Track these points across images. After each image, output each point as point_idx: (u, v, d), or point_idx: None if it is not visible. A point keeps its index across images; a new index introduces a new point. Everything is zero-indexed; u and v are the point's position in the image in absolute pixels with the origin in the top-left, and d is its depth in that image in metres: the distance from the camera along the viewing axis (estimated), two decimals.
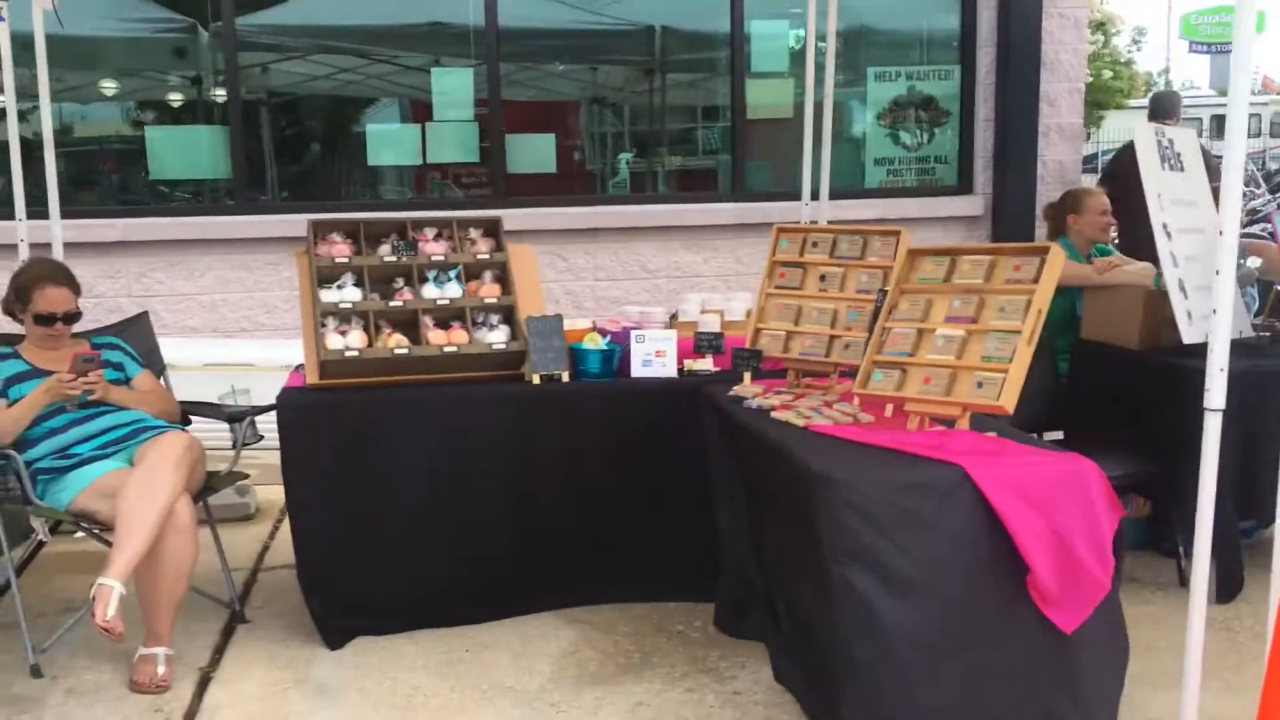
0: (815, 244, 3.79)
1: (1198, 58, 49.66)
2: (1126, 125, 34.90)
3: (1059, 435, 4.58)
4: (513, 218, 7.13)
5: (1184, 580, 4.19)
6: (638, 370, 3.91)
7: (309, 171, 7.37)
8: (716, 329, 4.13)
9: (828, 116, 5.41)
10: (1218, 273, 2.64)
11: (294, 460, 3.65)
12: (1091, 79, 31.81)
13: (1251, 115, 37.71)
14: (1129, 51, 43.99)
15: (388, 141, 7.08)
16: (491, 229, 4.10)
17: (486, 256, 4.01)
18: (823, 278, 3.72)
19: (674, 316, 4.49)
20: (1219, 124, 34.96)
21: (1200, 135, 35.62)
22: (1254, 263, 4.80)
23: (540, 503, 3.86)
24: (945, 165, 7.65)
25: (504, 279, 3.99)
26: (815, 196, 5.48)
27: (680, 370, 3.96)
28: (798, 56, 7.35)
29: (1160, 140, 4.45)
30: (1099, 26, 37.88)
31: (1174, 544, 4.33)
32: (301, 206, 6.51)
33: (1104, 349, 4.62)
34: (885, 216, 7.32)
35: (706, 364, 3.99)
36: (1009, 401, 2.82)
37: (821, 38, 5.59)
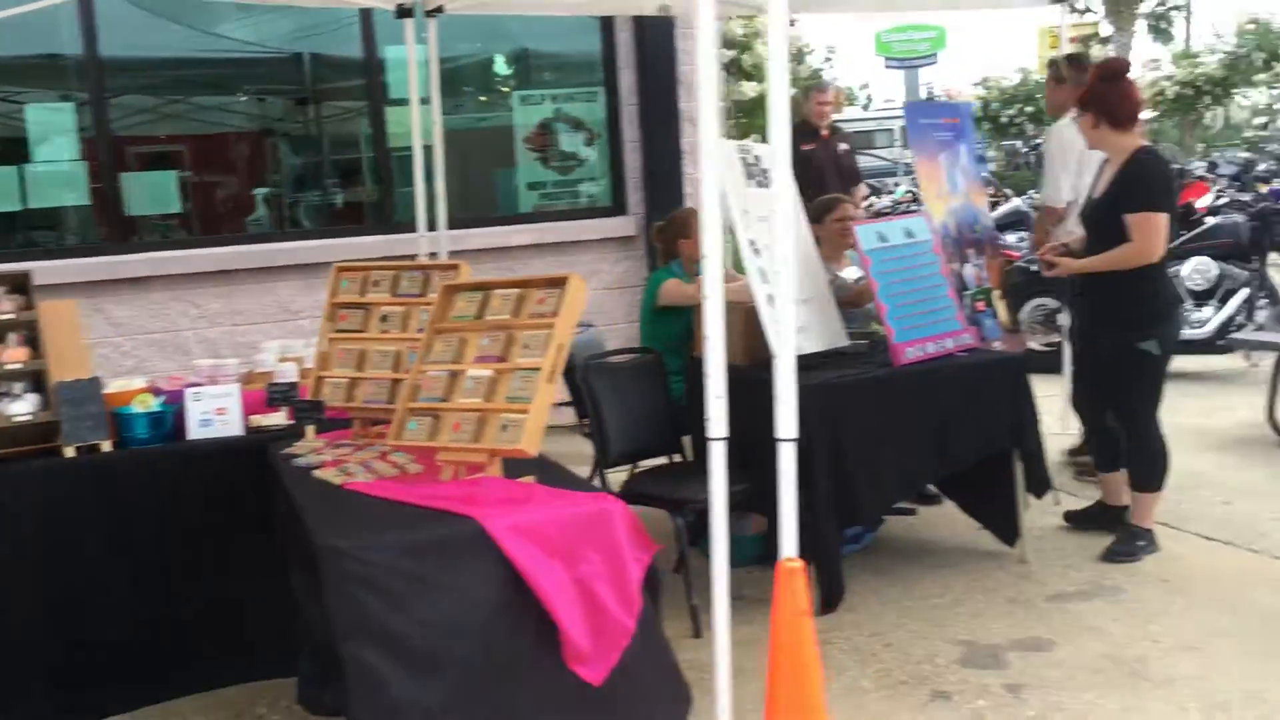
0: (377, 283, 3.56)
1: (894, 73, 53.20)
2: None
3: (678, 458, 4.54)
4: (133, 264, 6.67)
5: None
6: (196, 431, 3.56)
7: None
8: (294, 378, 3.83)
9: (439, 144, 5.21)
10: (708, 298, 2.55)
11: None
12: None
13: None
14: (823, 70, 46.56)
15: None
16: (20, 285, 3.64)
17: (12, 316, 3.55)
18: (384, 318, 3.49)
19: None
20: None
21: (893, 145, 37.83)
22: (850, 273, 4.91)
23: (93, 590, 3.43)
24: (598, 187, 7.62)
25: (34, 340, 3.55)
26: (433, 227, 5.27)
27: (249, 427, 3.63)
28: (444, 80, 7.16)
29: (745, 158, 4.47)
30: (795, 55, 39.97)
31: None
32: None
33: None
34: (541, 241, 7.21)
35: (279, 418, 3.67)
36: (530, 444, 2.66)
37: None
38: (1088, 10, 47.20)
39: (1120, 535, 4.50)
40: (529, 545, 2.49)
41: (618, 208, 7.56)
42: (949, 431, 4.26)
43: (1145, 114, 33.88)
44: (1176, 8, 44.58)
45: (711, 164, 2.99)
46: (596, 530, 2.56)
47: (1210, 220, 7.92)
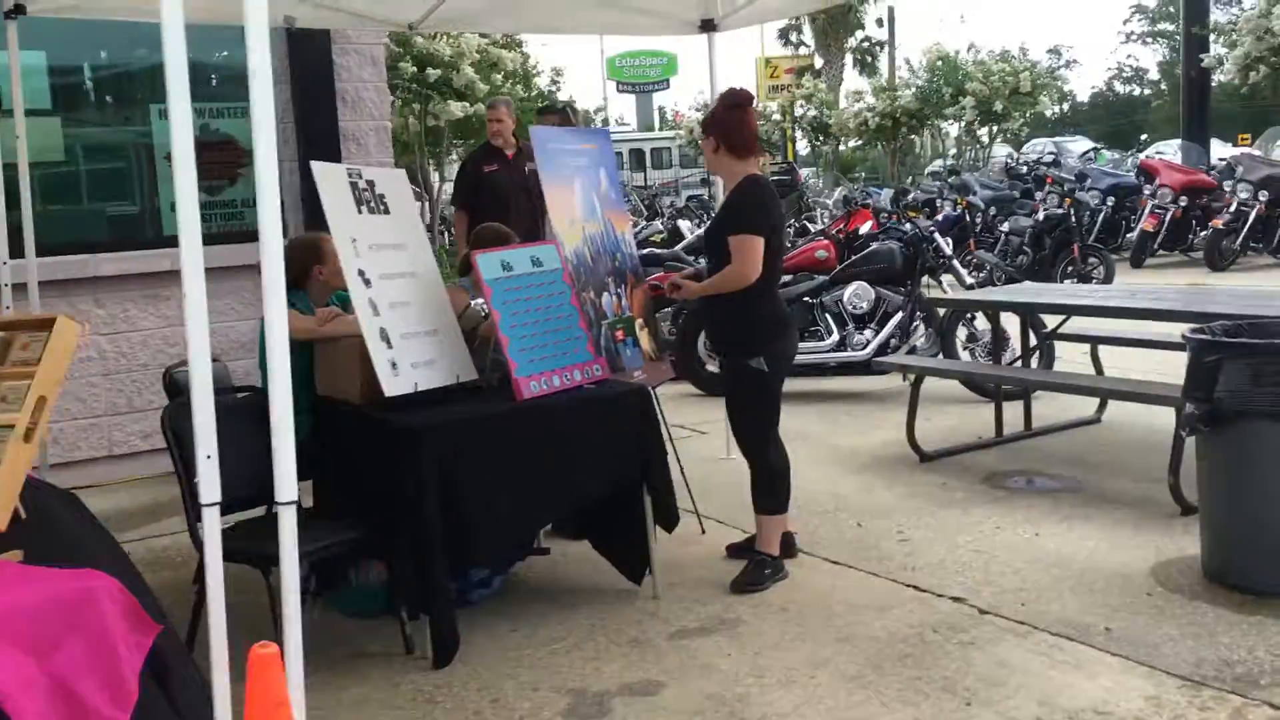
0: None
1: (626, 97, 54.31)
2: None
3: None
4: None
5: (410, 647, 3.95)
6: None
7: None
8: None
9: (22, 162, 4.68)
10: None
11: None
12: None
13: (663, 148, 41.09)
14: (550, 91, 46.96)
15: None
16: None
17: None
18: None
19: None
20: (637, 158, 38.12)
21: (621, 169, 38.54)
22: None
23: None
24: (254, 209, 7.13)
25: None
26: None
27: None
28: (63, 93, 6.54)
29: (356, 182, 4.21)
30: (521, 76, 40.11)
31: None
32: None
33: (334, 404, 4.31)
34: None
35: None
36: None
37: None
38: (801, 44, 49.87)
39: (748, 564, 4.50)
40: None
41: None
42: (573, 466, 4.13)
43: (852, 141, 35.48)
44: (880, 44, 47.77)
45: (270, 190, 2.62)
46: (80, 615, 2.22)
47: (872, 246, 8.25)
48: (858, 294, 7.95)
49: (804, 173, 38.86)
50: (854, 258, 8.19)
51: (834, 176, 36.97)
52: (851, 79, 44.83)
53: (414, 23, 5.28)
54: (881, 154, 37.83)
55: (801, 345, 8.02)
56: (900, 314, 7.86)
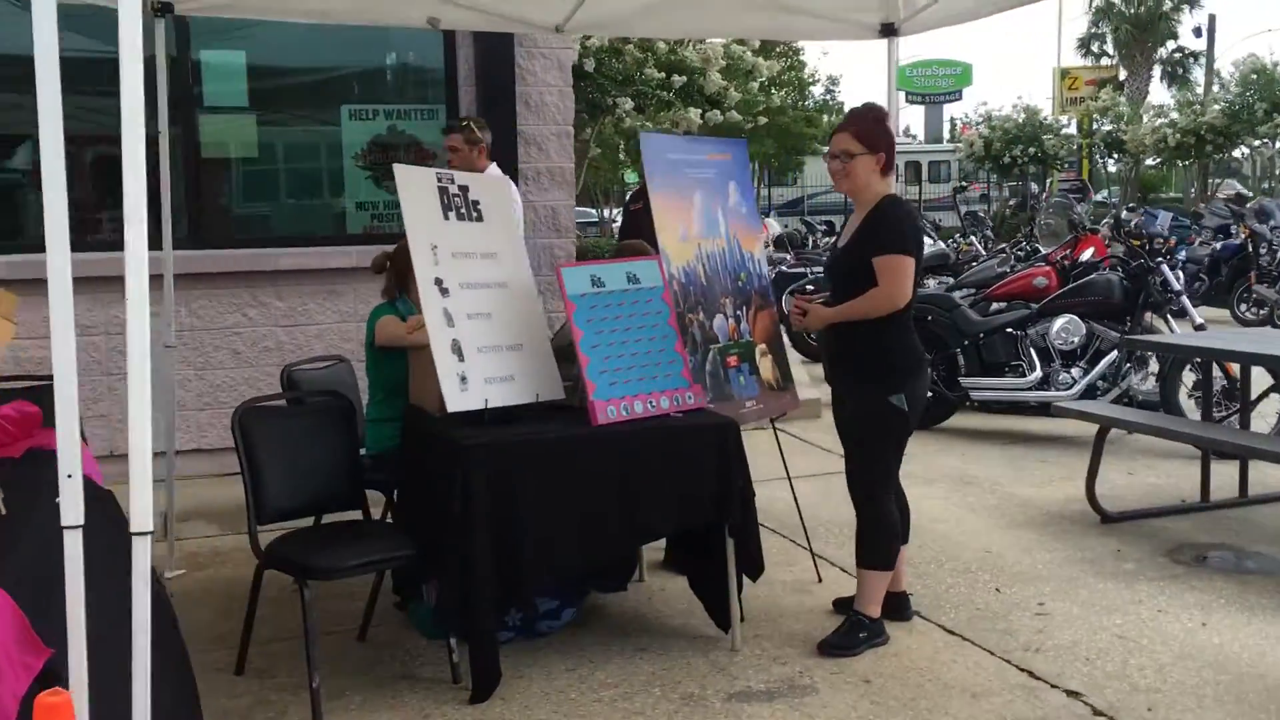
0: None
1: (914, 108, 52.95)
2: (824, 170, 36.82)
3: (357, 515, 4.13)
4: None
5: (456, 676, 3.77)
6: None
7: None
8: None
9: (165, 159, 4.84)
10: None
11: None
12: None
13: (941, 161, 39.76)
14: (826, 100, 46.30)
15: None
16: None
17: None
18: None
19: None
20: (914, 170, 37.12)
21: (897, 182, 37.57)
22: None
23: None
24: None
25: None
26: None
27: None
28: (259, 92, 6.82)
29: (447, 188, 4.07)
30: (801, 87, 39.77)
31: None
32: None
33: (419, 415, 4.20)
34: (362, 266, 6.83)
35: None
36: None
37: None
38: (1104, 54, 46.90)
39: (842, 623, 4.06)
40: None
41: None
42: (639, 500, 3.83)
43: (1152, 159, 32.73)
44: (1195, 55, 44.18)
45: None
46: None
47: (1090, 276, 7.45)
48: (1067, 328, 7.19)
49: (1102, 193, 36.51)
50: (1067, 287, 7.40)
51: (1124, 196, 34.53)
52: (1159, 93, 41.76)
53: (559, 24, 5.12)
54: (1192, 173, 35.00)
55: (1000, 381, 7.38)
56: (1115, 353, 7.04)
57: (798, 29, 6.03)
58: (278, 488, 3.84)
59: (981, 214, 24.89)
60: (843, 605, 4.35)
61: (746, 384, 4.61)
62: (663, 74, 15.36)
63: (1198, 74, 42.39)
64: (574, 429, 3.85)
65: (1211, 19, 41.93)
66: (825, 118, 42.71)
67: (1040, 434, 7.42)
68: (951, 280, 9.79)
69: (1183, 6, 43.64)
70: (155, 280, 3.37)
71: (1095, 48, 46.28)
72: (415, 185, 3.97)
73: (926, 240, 13.49)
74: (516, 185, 7.09)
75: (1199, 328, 6.90)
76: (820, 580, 4.72)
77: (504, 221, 4.29)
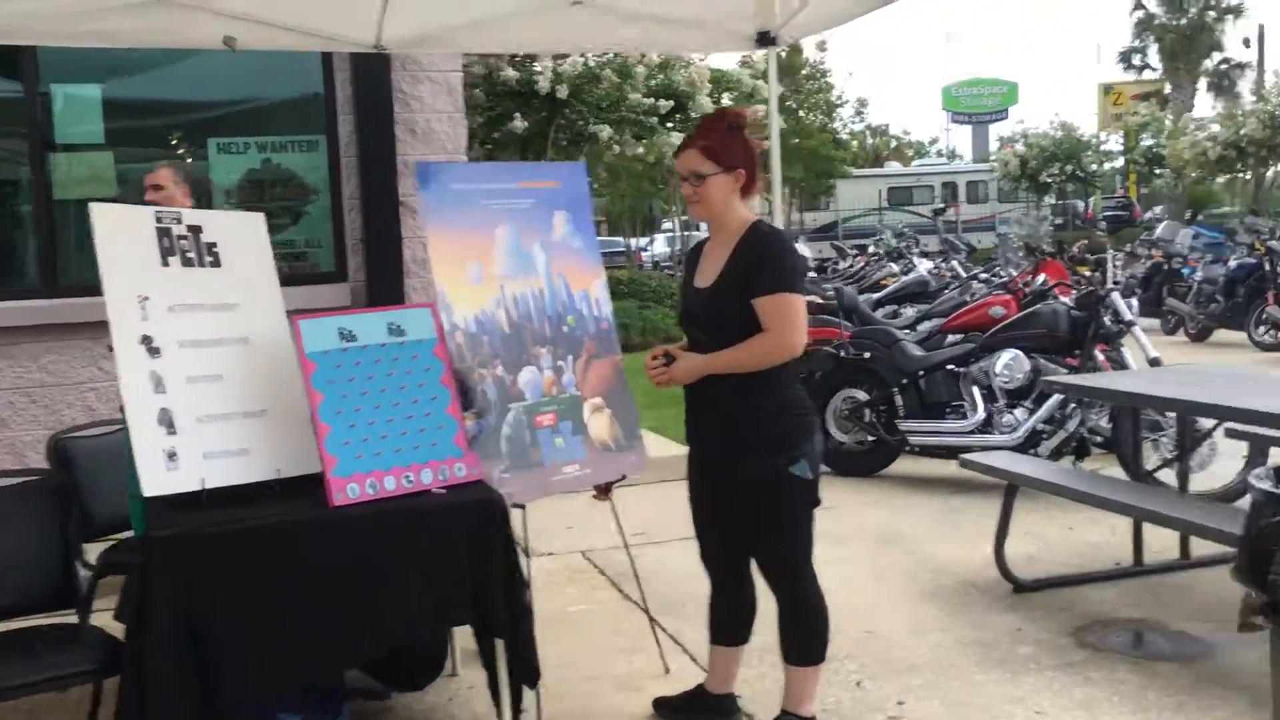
0: None
1: (960, 128, 51.89)
2: (857, 193, 36.02)
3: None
4: None
5: None
6: None
7: None
8: None
9: None
10: None
11: None
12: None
13: (978, 181, 38.89)
14: (854, 122, 45.42)
15: None
16: None
17: None
18: None
19: None
20: (951, 191, 36.24)
21: (932, 201, 36.38)
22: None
23: None
24: (319, 250, 6.70)
25: None
26: None
27: None
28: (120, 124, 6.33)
29: (170, 229, 3.50)
30: (832, 108, 39.15)
31: None
32: None
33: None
34: None
35: None
36: None
37: None
38: (1146, 67, 45.67)
39: None
40: None
41: (341, 273, 6.63)
42: (380, 598, 3.21)
43: (1193, 173, 31.57)
44: (1242, 66, 42.87)
45: None
46: None
47: (1035, 307, 6.72)
48: (1010, 365, 6.46)
49: (1154, 209, 35.23)
50: (1010, 319, 6.68)
51: (1167, 212, 33.37)
52: (1204, 105, 40.54)
53: (375, 41, 4.57)
54: (1242, 188, 33.75)
55: (940, 424, 6.68)
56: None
57: (674, 42, 5.45)
58: None
59: (1005, 232, 23.92)
60: (663, 706, 3.71)
61: (567, 445, 3.98)
62: (650, 99, 14.83)
63: (1246, 85, 41.18)
64: (304, 512, 3.25)
65: (1261, 29, 40.57)
66: (854, 143, 41.96)
67: (988, 481, 6.68)
68: (914, 312, 9.07)
69: (1226, 16, 42.43)
70: None
71: (1137, 60, 45.14)
72: (120, 226, 3.40)
73: (918, 262, 12.70)
74: (398, 220, 6.56)
75: (1153, 361, 6.14)
76: (668, 671, 4.07)
77: (250, 266, 3.70)
